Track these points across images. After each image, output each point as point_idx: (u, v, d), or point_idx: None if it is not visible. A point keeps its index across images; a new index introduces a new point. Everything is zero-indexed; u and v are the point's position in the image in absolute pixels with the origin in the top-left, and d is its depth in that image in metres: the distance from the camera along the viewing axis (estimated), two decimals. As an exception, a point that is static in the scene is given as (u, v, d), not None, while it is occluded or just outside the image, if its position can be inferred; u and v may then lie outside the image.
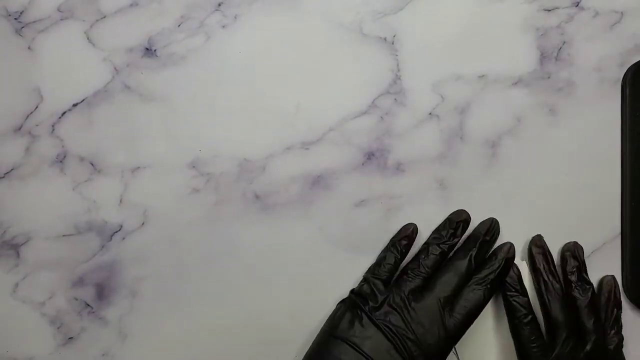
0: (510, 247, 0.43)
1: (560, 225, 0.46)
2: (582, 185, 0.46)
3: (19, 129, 0.46)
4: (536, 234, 0.45)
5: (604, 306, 0.44)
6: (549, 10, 0.46)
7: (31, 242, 0.46)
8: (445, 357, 0.41)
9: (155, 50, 0.46)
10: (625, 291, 0.45)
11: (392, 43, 0.46)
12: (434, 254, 0.43)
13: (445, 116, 0.46)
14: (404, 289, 0.42)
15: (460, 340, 0.41)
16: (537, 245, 0.44)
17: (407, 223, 0.45)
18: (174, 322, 0.47)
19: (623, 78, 0.45)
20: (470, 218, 0.45)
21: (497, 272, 0.42)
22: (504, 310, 0.44)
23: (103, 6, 0.46)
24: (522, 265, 0.45)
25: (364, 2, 0.46)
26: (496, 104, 0.46)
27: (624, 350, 0.43)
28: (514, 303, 0.43)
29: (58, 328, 0.46)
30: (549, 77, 0.46)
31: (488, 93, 0.46)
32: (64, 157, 0.46)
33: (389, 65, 0.46)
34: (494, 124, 0.46)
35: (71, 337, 0.47)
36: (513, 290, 0.43)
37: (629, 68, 0.45)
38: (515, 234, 0.46)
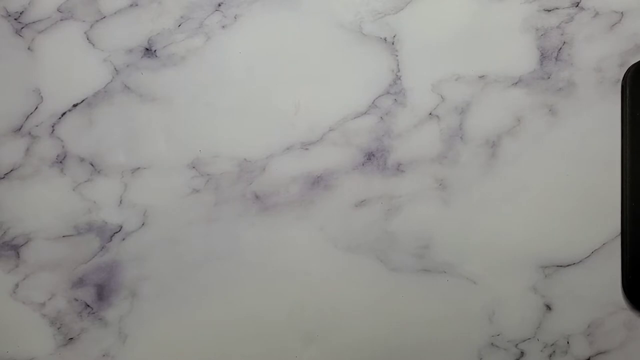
0: None
1: (560, 225, 0.46)
2: (582, 185, 0.46)
3: (19, 129, 0.46)
4: (536, 233, 0.45)
5: None
6: (549, 11, 0.46)
7: (31, 243, 0.46)
8: None
9: (155, 51, 0.46)
10: (625, 292, 0.45)
11: (392, 43, 0.46)
12: None
13: (445, 116, 0.46)
14: None
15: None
16: None
17: None
18: (174, 322, 0.47)
19: (623, 78, 0.45)
20: None
21: None
22: None
23: (103, 6, 0.45)
24: None
25: (364, 2, 0.46)
26: (496, 104, 0.46)
27: (624, 351, 0.43)
28: None
29: (58, 329, 0.46)
30: (549, 77, 0.46)
31: (488, 93, 0.46)
32: (64, 157, 0.46)
33: (389, 65, 0.46)
34: (494, 124, 0.46)
35: (71, 338, 0.47)
36: None
37: (629, 68, 0.45)
38: (515, 235, 0.46)
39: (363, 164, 0.46)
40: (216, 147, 0.46)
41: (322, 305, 0.46)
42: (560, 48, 0.46)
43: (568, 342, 0.46)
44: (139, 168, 0.46)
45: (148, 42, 0.46)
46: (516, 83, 0.46)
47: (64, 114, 0.46)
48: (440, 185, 0.46)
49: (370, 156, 0.46)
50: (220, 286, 0.46)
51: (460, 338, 0.47)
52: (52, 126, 0.46)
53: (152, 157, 0.46)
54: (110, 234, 0.46)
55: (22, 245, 0.46)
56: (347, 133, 0.46)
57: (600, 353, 0.46)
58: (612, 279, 0.46)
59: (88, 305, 0.46)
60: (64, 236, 0.46)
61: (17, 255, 0.46)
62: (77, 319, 0.46)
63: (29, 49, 0.46)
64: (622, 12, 0.45)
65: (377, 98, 0.46)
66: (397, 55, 0.46)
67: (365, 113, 0.46)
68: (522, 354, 0.46)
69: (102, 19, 0.46)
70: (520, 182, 0.46)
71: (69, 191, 0.46)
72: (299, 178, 0.46)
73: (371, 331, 0.47)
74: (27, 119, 0.46)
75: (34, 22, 0.46)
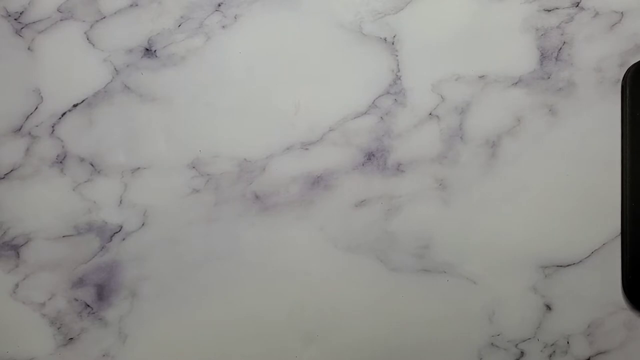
0: None
1: (560, 225, 0.46)
2: (582, 185, 0.46)
3: (19, 129, 0.46)
4: (536, 233, 0.45)
5: None
6: (549, 11, 0.46)
7: (31, 243, 0.46)
8: None
9: (155, 51, 0.46)
10: (625, 292, 0.45)
11: (392, 43, 0.46)
12: None
13: (445, 116, 0.46)
14: None
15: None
16: None
17: None
18: (174, 322, 0.47)
19: (623, 78, 0.45)
20: None
21: None
22: None
23: (103, 6, 0.45)
24: None
25: (364, 2, 0.46)
26: (496, 104, 0.46)
27: (624, 351, 0.43)
28: None
29: (58, 329, 0.46)
30: (549, 77, 0.46)
31: (488, 93, 0.46)
32: (64, 157, 0.46)
33: (389, 65, 0.46)
34: (494, 124, 0.46)
35: (71, 338, 0.47)
36: None
37: (629, 68, 0.45)
38: (515, 235, 0.46)
39: (363, 164, 0.46)
40: (216, 147, 0.46)
41: (322, 305, 0.46)
42: (560, 48, 0.46)
43: (568, 342, 0.46)
44: (139, 168, 0.46)
45: (148, 42, 0.46)
46: (516, 83, 0.46)
47: (64, 114, 0.46)
48: (440, 185, 0.46)
49: (370, 156, 0.46)
50: (220, 286, 0.46)
51: (460, 338, 0.47)
52: (52, 126, 0.46)
53: (152, 157, 0.46)
54: (110, 234, 0.46)
55: (22, 245, 0.46)
56: (347, 133, 0.46)
57: (600, 353, 0.46)
58: (612, 279, 0.46)
59: (88, 305, 0.46)
60: (64, 236, 0.46)
61: (17, 255, 0.46)
62: (77, 319, 0.46)
63: (29, 49, 0.46)
64: (622, 12, 0.45)
65: (377, 98, 0.46)
66: (397, 55, 0.46)
67: (365, 113, 0.46)
68: (522, 354, 0.46)
69: (102, 19, 0.46)
70: (520, 182, 0.46)
71: (69, 191, 0.46)
72: (299, 178, 0.46)
73: (371, 331, 0.47)
74: (27, 119, 0.46)
75: (34, 22, 0.46)
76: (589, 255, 0.46)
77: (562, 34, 0.46)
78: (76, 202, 0.46)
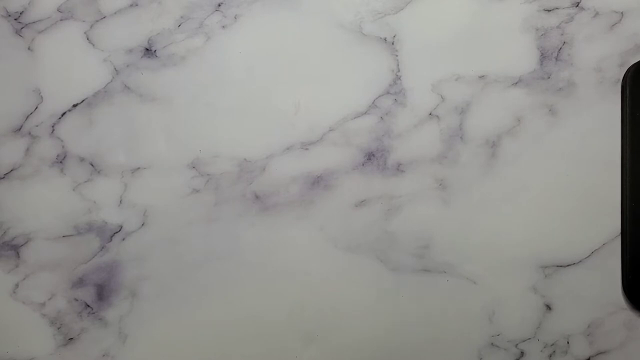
0: None
1: (560, 225, 0.46)
2: (582, 185, 0.46)
3: (19, 129, 0.46)
4: (536, 233, 0.45)
5: None
6: (549, 11, 0.46)
7: (31, 243, 0.46)
8: None
9: (155, 51, 0.46)
10: (625, 292, 0.45)
11: (392, 43, 0.46)
12: None
13: (445, 116, 0.46)
14: None
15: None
16: None
17: None
18: (174, 322, 0.47)
19: (623, 78, 0.45)
20: None
21: None
22: None
23: (103, 6, 0.46)
24: None
25: (364, 2, 0.46)
26: (496, 104, 0.46)
27: (624, 351, 0.43)
28: None
29: (58, 329, 0.46)
30: (549, 77, 0.46)
31: (488, 93, 0.46)
32: (64, 157, 0.46)
33: (389, 65, 0.46)
34: (494, 124, 0.46)
35: (71, 338, 0.47)
36: None
37: (629, 68, 0.45)
38: (515, 235, 0.46)
39: (363, 164, 0.46)
40: (216, 147, 0.46)
41: (322, 305, 0.46)
42: (560, 48, 0.46)
43: (568, 342, 0.46)
44: (139, 168, 0.46)
45: (148, 42, 0.46)
46: (516, 83, 0.46)
47: (64, 114, 0.46)
48: (440, 185, 0.46)
49: (370, 156, 0.46)
50: (220, 286, 0.46)
51: (460, 338, 0.47)
52: (52, 126, 0.46)
53: (152, 157, 0.46)
54: (110, 234, 0.46)
55: (22, 245, 0.46)
56: (347, 133, 0.46)
57: (600, 353, 0.46)
58: (612, 279, 0.46)
59: (88, 305, 0.46)
60: (64, 236, 0.46)
61: (17, 255, 0.46)
62: (77, 319, 0.46)
63: (29, 49, 0.46)
64: (622, 12, 0.45)
65: (377, 98, 0.46)
66: (397, 55, 0.46)
67: (365, 113, 0.46)
68: (522, 354, 0.46)
69: (102, 19, 0.46)
70: (520, 182, 0.46)
71: (69, 191, 0.46)
72: (299, 178, 0.46)
73: (371, 331, 0.47)
74: (27, 119, 0.46)
75: (34, 22, 0.46)
76: (589, 255, 0.46)
77: (562, 34, 0.46)
78: (76, 202, 0.46)
